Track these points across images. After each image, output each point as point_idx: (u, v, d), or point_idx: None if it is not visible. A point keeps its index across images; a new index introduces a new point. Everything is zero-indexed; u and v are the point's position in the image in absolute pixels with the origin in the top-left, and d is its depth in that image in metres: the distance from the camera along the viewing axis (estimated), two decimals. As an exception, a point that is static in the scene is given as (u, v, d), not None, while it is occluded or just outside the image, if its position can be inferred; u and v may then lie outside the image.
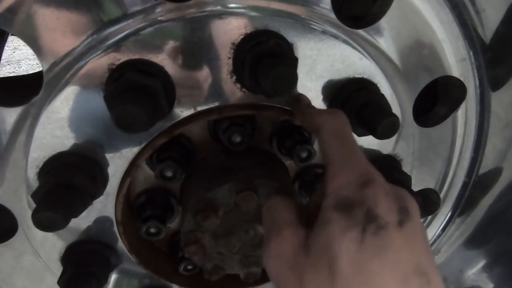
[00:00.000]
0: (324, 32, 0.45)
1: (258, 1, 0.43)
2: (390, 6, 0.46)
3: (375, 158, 0.56)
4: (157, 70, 0.42)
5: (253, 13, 0.43)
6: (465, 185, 0.66)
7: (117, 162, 0.48)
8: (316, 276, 0.32)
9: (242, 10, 0.43)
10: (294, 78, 0.42)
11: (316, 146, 0.55)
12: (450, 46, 0.51)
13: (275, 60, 0.41)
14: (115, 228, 0.53)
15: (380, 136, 0.46)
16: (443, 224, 0.71)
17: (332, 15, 0.45)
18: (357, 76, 0.49)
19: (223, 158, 0.54)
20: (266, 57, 0.41)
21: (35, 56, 0.40)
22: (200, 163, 0.54)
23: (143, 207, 0.55)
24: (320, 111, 0.45)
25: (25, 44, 0.40)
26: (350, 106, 0.48)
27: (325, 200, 0.35)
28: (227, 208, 0.50)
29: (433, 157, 0.61)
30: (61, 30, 0.40)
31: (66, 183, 0.44)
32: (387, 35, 0.48)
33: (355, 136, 0.46)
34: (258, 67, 0.42)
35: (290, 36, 0.44)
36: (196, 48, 0.43)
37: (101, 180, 0.47)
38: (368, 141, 0.54)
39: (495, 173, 0.64)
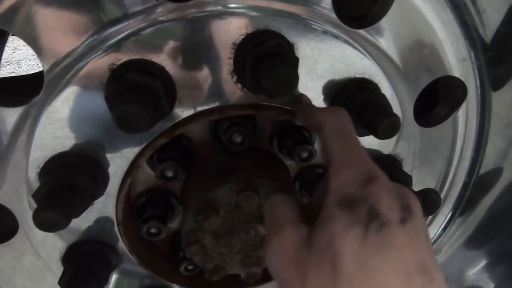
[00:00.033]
0: (325, 32, 0.45)
1: (259, 1, 0.43)
2: (391, 6, 0.46)
3: (376, 158, 0.56)
4: (158, 70, 0.42)
5: (254, 13, 0.43)
6: (465, 185, 0.66)
7: (117, 162, 0.48)
8: (319, 273, 0.32)
9: (243, 10, 0.43)
10: (295, 78, 0.42)
11: (316, 146, 0.55)
12: (451, 46, 0.51)
13: (276, 60, 0.41)
14: (116, 228, 0.53)
15: (381, 136, 0.46)
16: (443, 224, 0.71)
17: (333, 15, 0.45)
18: (358, 76, 0.49)
19: (224, 158, 0.54)
20: (267, 57, 0.41)
21: (35, 56, 0.41)
22: (201, 163, 0.54)
23: (144, 207, 0.55)
24: (321, 109, 0.45)
25: (25, 44, 0.40)
26: (351, 106, 0.48)
27: (328, 197, 0.35)
28: (228, 208, 0.50)
29: (434, 157, 0.61)
30: (62, 30, 0.40)
31: (66, 183, 0.44)
32: (388, 35, 0.48)
33: (356, 135, 0.46)
34: (259, 67, 0.41)
35: (291, 36, 0.44)
36: (197, 48, 0.43)
37: (101, 180, 0.47)
38: (368, 141, 0.54)
39: (496, 173, 0.64)
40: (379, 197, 0.33)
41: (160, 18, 0.41)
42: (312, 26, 0.44)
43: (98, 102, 0.43)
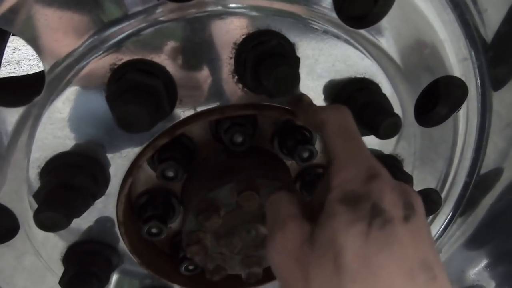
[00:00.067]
0: (325, 32, 0.45)
1: (259, 1, 0.43)
2: (391, 6, 0.46)
3: (376, 158, 0.55)
4: (158, 70, 0.42)
5: (255, 13, 0.43)
6: (466, 185, 0.66)
7: (118, 162, 0.48)
8: (322, 269, 0.32)
9: (243, 10, 0.42)
10: (296, 78, 0.42)
11: (317, 146, 0.55)
12: (452, 46, 0.51)
13: (277, 60, 0.41)
14: (117, 229, 0.53)
15: (382, 136, 0.46)
16: (444, 224, 0.71)
17: (334, 15, 0.45)
18: (358, 76, 0.49)
19: (225, 158, 0.54)
20: (268, 57, 0.41)
21: (35, 57, 0.41)
22: (202, 163, 0.54)
23: (145, 207, 0.55)
24: (323, 107, 0.45)
25: (25, 44, 0.40)
26: (352, 106, 0.47)
27: (331, 194, 0.35)
28: (229, 208, 0.50)
29: (435, 157, 0.61)
30: (63, 31, 0.40)
31: (67, 183, 0.44)
32: (388, 35, 0.48)
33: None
34: (260, 67, 0.41)
35: (292, 36, 0.44)
36: (198, 48, 0.43)
37: (102, 180, 0.47)
38: (369, 141, 0.54)
39: (496, 173, 0.64)
40: (382, 194, 0.33)
41: (161, 18, 0.41)
42: (313, 26, 0.44)
43: (99, 102, 0.43)
